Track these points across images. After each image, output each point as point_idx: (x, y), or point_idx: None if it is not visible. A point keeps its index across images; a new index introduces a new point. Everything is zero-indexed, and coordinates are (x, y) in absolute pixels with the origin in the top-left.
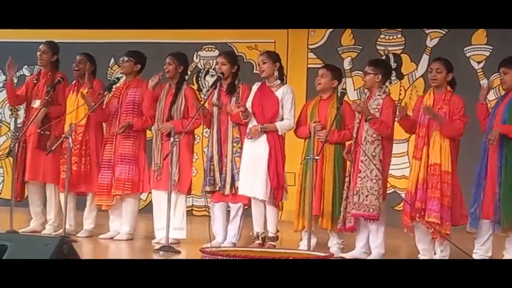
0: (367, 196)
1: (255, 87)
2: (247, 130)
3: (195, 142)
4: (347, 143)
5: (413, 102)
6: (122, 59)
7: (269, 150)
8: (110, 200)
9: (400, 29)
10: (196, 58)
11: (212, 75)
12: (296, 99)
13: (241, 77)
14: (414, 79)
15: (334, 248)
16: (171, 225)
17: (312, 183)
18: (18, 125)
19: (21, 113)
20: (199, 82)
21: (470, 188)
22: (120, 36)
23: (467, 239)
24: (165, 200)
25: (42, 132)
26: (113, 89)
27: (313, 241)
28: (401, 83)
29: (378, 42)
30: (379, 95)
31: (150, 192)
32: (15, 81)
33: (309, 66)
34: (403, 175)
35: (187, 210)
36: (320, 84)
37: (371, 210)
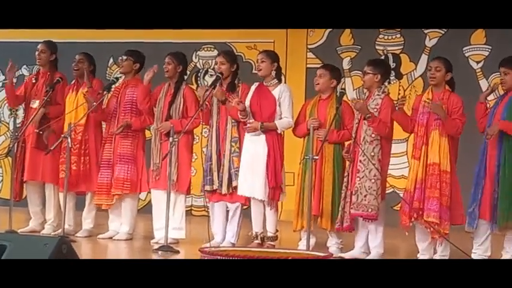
0: (365, 196)
1: (253, 87)
2: (247, 125)
3: (194, 142)
4: (346, 143)
5: (412, 102)
6: (120, 58)
7: (268, 150)
8: (109, 200)
9: (399, 29)
10: (195, 58)
11: (211, 75)
12: (295, 99)
13: (240, 77)
14: (413, 79)
15: (333, 247)
16: (170, 225)
17: (311, 183)
18: (17, 125)
19: (20, 112)
20: (199, 82)
21: (469, 188)
22: (119, 36)
23: (467, 238)
24: (164, 200)
25: (40, 132)
26: (112, 89)
27: (312, 241)
28: (400, 82)
29: (377, 42)
30: (378, 94)
31: (149, 192)
32: (14, 81)
33: (308, 66)
34: (402, 175)
35: (186, 210)
36: (319, 84)
37: (370, 210)
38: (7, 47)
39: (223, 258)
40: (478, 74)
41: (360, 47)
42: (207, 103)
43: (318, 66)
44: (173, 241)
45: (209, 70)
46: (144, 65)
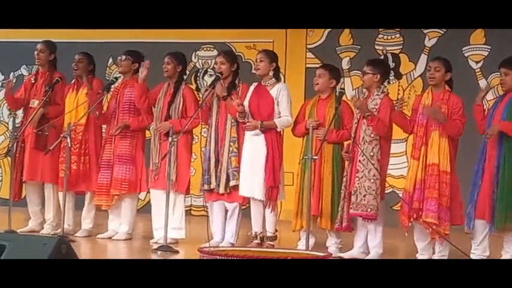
0: (364, 196)
1: (251, 88)
2: (247, 124)
3: (194, 142)
4: (345, 143)
5: (411, 102)
6: (119, 57)
7: (266, 149)
8: (109, 200)
9: (398, 29)
10: (195, 58)
11: (210, 75)
12: (294, 99)
13: (240, 77)
14: (412, 79)
15: (333, 247)
16: (169, 225)
17: (310, 183)
18: (17, 125)
19: (20, 112)
20: (198, 82)
21: (468, 188)
22: (118, 36)
23: (466, 238)
24: (163, 200)
25: (39, 133)
26: (112, 89)
27: (312, 241)
28: (399, 82)
29: (376, 42)
30: (377, 94)
31: (149, 192)
32: (14, 81)
33: (307, 66)
34: (401, 175)
35: (185, 210)
36: (318, 84)
37: (369, 210)
38: (7, 46)
39: (223, 258)
40: (477, 73)
41: (359, 47)
42: (206, 102)
43: (317, 66)
44: (172, 241)
45: (208, 70)
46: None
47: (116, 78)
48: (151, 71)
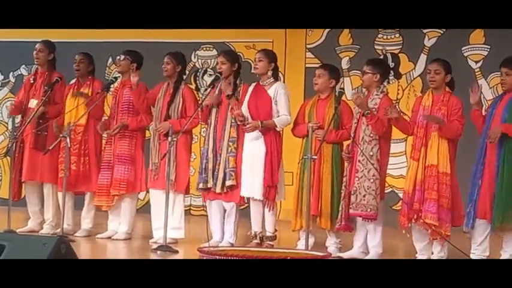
0: (364, 196)
1: (250, 88)
2: (247, 126)
3: (193, 142)
4: (345, 143)
5: (411, 101)
6: (118, 57)
7: (265, 148)
8: (109, 201)
9: (398, 29)
10: (194, 58)
11: (210, 75)
12: (294, 99)
13: (241, 77)
14: (412, 78)
15: (332, 247)
16: (169, 225)
17: (310, 182)
18: (16, 125)
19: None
20: (197, 81)
21: (467, 188)
22: (118, 35)
23: (465, 238)
24: (162, 200)
25: (39, 133)
26: (112, 88)
27: (311, 241)
28: (399, 82)
29: (375, 42)
30: (376, 94)
31: (148, 192)
32: (13, 80)
33: (307, 65)
34: (401, 174)
35: (185, 210)
36: (317, 84)
37: (368, 210)
38: (6, 46)
39: (222, 258)
40: (477, 73)
41: (358, 47)
42: (207, 102)
43: (317, 66)
44: (172, 241)
45: (208, 70)
46: (142, 65)
47: (116, 78)
48: (150, 70)
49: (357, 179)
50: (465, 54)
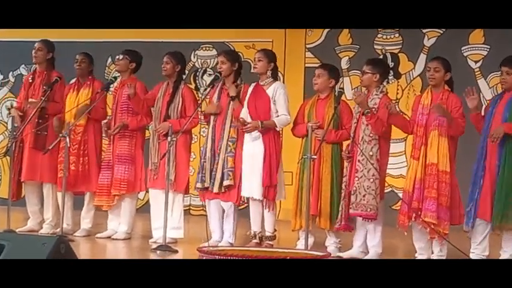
0: (364, 196)
1: (250, 89)
2: (247, 126)
3: (193, 141)
4: (345, 143)
5: (411, 101)
6: (117, 56)
7: (264, 148)
8: (110, 201)
9: (397, 29)
10: (194, 57)
11: (210, 75)
12: (293, 99)
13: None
14: (411, 78)
15: (332, 247)
16: (168, 225)
17: (309, 182)
18: (15, 124)
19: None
20: (197, 81)
21: (467, 187)
22: (117, 35)
23: (465, 238)
24: (162, 199)
25: (38, 132)
26: (111, 88)
27: (311, 240)
28: (398, 82)
29: (375, 42)
30: (376, 94)
31: (148, 192)
32: (13, 80)
33: (306, 65)
34: (401, 174)
35: (184, 210)
36: (317, 83)
37: (368, 209)
38: (6, 46)
39: (222, 257)
40: (476, 73)
41: (358, 47)
42: (208, 102)
43: (317, 65)
44: (171, 240)
45: (207, 69)
46: (141, 65)
47: (115, 78)
48: (149, 70)
49: (356, 178)
50: (465, 54)
